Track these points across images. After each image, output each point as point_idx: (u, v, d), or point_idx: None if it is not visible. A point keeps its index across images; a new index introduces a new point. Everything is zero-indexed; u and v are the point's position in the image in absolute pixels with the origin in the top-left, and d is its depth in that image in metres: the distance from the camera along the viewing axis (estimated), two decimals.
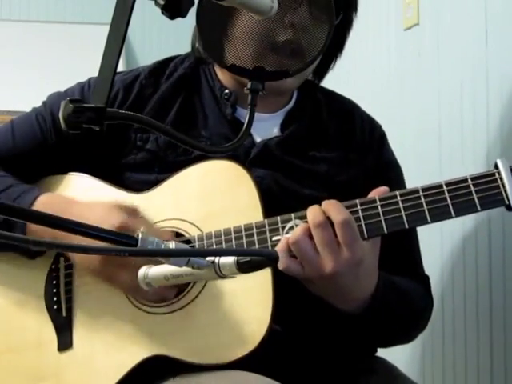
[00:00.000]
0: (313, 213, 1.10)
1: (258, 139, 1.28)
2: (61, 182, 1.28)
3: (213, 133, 1.26)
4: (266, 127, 1.30)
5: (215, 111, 1.29)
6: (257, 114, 1.26)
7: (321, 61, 1.32)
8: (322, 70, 1.40)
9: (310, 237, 1.09)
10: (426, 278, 1.35)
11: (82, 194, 1.24)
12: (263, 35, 0.89)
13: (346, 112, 1.38)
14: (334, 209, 1.09)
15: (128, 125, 1.26)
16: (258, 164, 1.24)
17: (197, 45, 1.32)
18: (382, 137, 1.39)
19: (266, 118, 1.31)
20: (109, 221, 1.11)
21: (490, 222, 1.49)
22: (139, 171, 1.25)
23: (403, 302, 1.24)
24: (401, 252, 1.28)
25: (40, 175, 1.28)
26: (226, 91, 1.29)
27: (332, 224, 1.08)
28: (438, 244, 1.62)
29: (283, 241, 1.10)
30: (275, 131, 1.31)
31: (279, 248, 1.10)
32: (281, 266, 1.09)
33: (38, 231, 1.14)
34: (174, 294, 1.15)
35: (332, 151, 1.31)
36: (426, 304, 1.33)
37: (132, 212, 1.16)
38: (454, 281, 1.59)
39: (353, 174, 1.29)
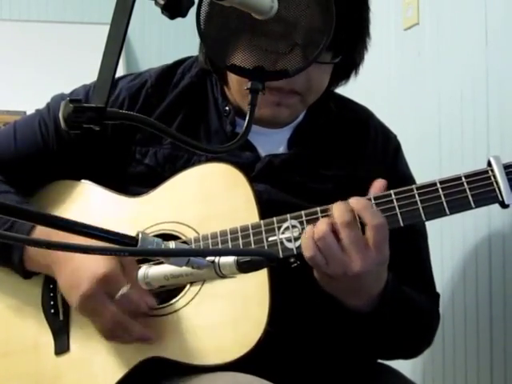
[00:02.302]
0: (340, 210, 1.08)
1: (263, 154, 1.25)
2: (61, 188, 1.28)
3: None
4: (272, 143, 1.27)
5: (217, 125, 1.26)
6: (263, 129, 1.25)
7: (334, 74, 1.26)
8: (334, 83, 1.31)
9: (335, 232, 1.08)
10: (437, 295, 1.33)
11: (82, 199, 1.25)
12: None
13: (360, 123, 1.33)
14: (367, 211, 1.08)
15: (129, 136, 1.25)
16: (260, 179, 1.22)
17: (203, 51, 1.26)
18: (396, 149, 1.35)
19: (272, 132, 1.27)
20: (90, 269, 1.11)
21: (490, 228, 1.49)
22: (136, 184, 1.25)
23: (409, 305, 1.22)
24: (412, 267, 1.27)
25: (42, 182, 1.28)
26: (226, 108, 1.26)
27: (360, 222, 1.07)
28: (438, 254, 1.62)
29: (309, 230, 1.09)
30: (282, 148, 1.27)
31: (306, 236, 1.08)
32: (307, 253, 1.08)
33: (34, 256, 1.17)
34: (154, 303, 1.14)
35: (340, 169, 1.27)
36: (431, 318, 1.30)
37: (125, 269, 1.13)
38: (454, 290, 1.59)
39: (361, 192, 1.21)
